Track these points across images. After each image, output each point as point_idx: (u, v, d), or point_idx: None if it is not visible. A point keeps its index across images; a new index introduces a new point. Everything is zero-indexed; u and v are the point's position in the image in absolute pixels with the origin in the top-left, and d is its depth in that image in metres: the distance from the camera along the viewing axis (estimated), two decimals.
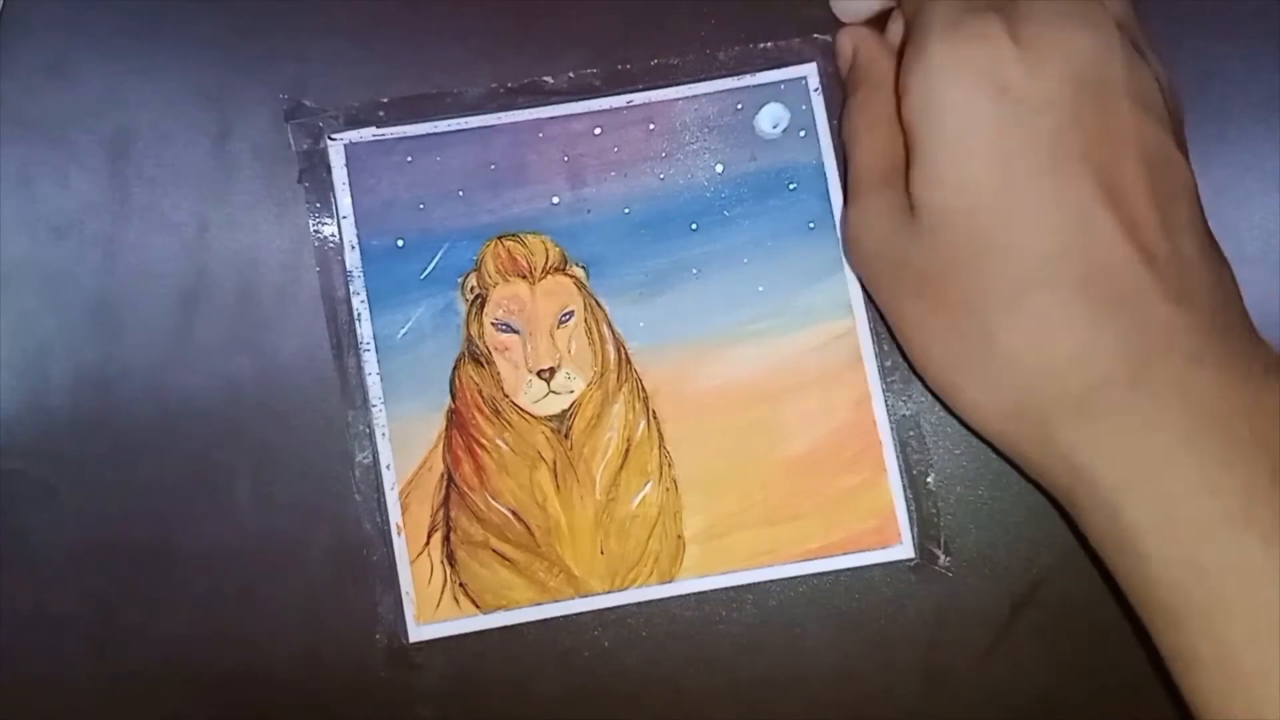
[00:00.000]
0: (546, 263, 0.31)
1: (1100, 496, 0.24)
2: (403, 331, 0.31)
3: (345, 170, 0.32)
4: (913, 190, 0.26)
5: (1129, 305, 0.24)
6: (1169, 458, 0.23)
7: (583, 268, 0.31)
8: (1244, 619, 0.23)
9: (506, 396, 0.31)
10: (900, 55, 0.27)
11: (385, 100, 0.32)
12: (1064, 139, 0.25)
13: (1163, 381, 0.24)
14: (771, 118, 0.32)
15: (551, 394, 0.31)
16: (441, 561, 0.30)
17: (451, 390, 0.31)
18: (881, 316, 0.30)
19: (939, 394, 0.28)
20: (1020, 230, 0.25)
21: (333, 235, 0.31)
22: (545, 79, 0.32)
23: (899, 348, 0.29)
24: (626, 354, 0.31)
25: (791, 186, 0.31)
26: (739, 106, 0.32)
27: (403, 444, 0.31)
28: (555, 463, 0.31)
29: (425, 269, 0.31)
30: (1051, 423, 0.25)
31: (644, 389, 0.31)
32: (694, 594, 0.30)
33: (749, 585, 0.30)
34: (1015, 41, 0.25)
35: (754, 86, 0.32)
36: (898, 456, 0.31)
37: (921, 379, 0.28)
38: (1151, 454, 0.24)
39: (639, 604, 0.30)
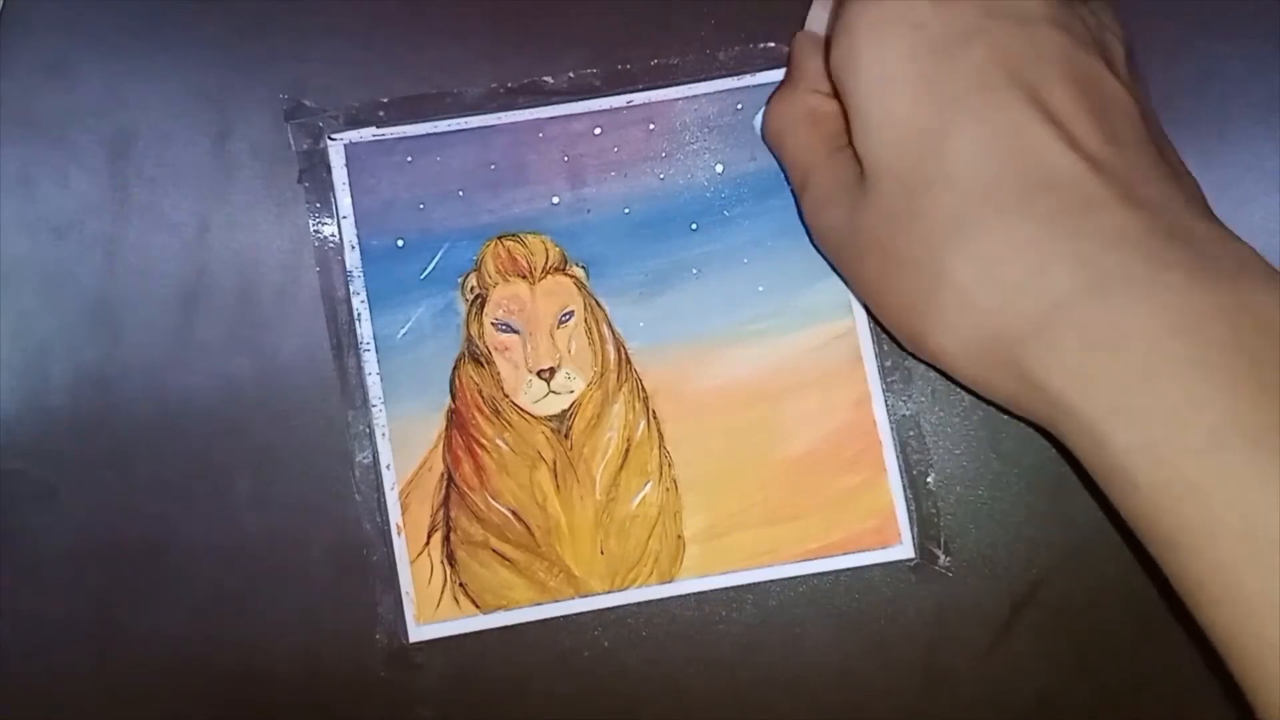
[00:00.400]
0: (546, 263, 0.31)
1: (1081, 424, 0.23)
2: (403, 331, 0.31)
3: (345, 170, 0.32)
4: (856, 149, 0.26)
5: (1078, 214, 0.23)
6: (1143, 373, 0.22)
7: (583, 268, 0.31)
8: (1240, 537, 0.21)
9: (506, 396, 0.31)
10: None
11: (385, 100, 0.32)
12: (987, 66, 0.24)
13: (1125, 289, 0.22)
14: None
15: (551, 394, 0.31)
16: (441, 561, 0.30)
17: (451, 390, 0.31)
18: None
19: (912, 350, 0.27)
20: (954, 161, 0.24)
21: (333, 235, 0.31)
22: (545, 79, 0.32)
23: (883, 329, 0.28)
24: (626, 354, 0.31)
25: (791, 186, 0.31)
26: (739, 106, 0.32)
27: (403, 444, 0.31)
28: (555, 463, 0.31)
29: (425, 269, 0.31)
30: (1018, 353, 0.24)
31: (644, 389, 0.31)
32: (694, 594, 0.30)
33: (749, 585, 0.30)
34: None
35: (754, 86, 0.32)
36: (898, 456, 0.31)
37: (898, 342, 0.27)
38: (1124, 371, 0.22)
39: (639, 604, 0.30)
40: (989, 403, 0.27)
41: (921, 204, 0.24)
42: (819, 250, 0.29)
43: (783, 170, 0.31)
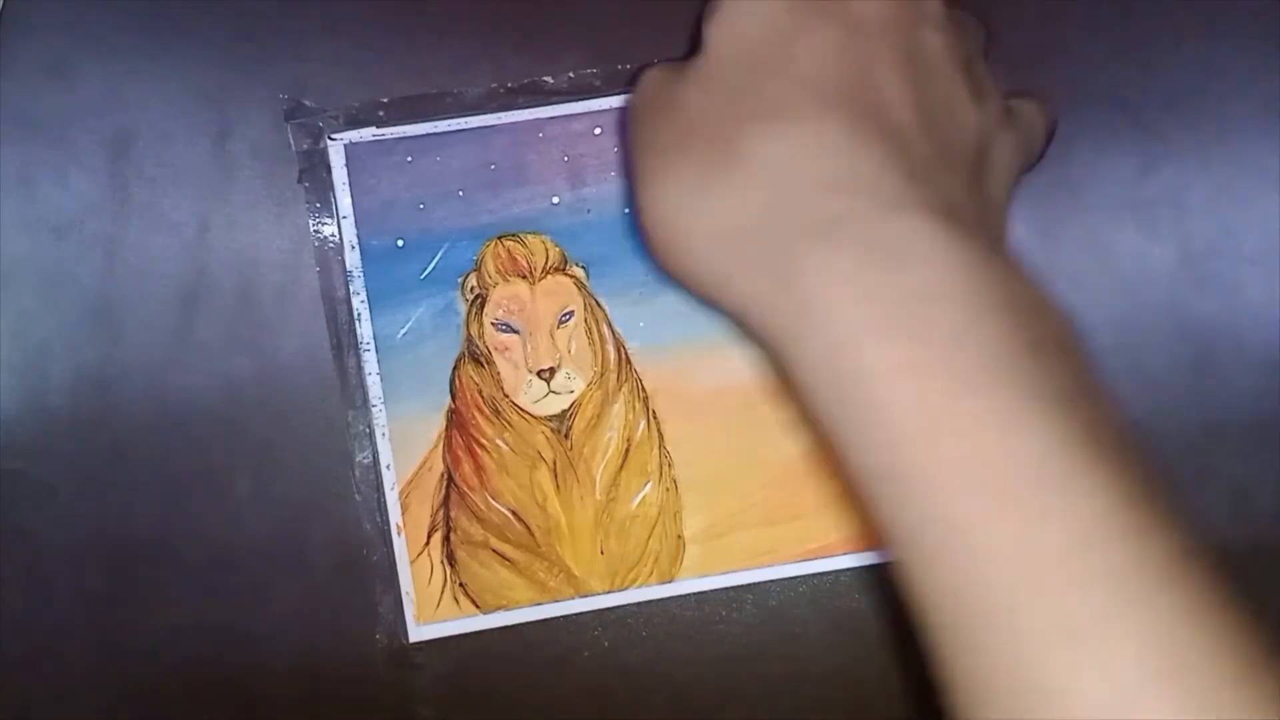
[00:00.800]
0: (546, 263, 0.31)
1: (833, 334, 0.22)
2: (403, 331, 0.31)
3: (345, 170, 0.31)
4: (703, 31, 0.26)
5: (894, 140, 0.23)
6: (920, 299, 0.22)
7: (583, 268, 0.31)
8: (983, 479, 0.20)
9: (506, 396, 0.31)
10: None
11: (385, 100, 0.32)
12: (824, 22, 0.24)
13: (920, 220, 0.22)
14: None
15: (551, 394, 0.31)
16: (441, 561, 0.30)
17: (451, 390, 0.31)
18: None
19: (660, 241, 0.25)
20: (804, 55, 0.24)
21: (333, 235, 0.31)
22: (545, 79, 0.32)
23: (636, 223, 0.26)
24: (626, 354, 0.31)
25: None
26: None
27: (403, 444, 0.31)
28: (555, 463, 0.31)
29: (425, 269, 0.31)
30: (792, 249, 0.23)
31: (644, 389, 0.31)
32: (694, 594, 0.30)
33: (749, 585, 0.30)
34: None
35: None
36: None
37: (643, 239, 0.26)
38: (901, 294, 0.22)
39: (639, 604, 0.30)
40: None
41: (753, 81, 0.24)
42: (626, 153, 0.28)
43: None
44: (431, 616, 0.30)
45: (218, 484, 0.31)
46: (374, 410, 0.31)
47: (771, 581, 0.30)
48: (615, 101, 0.32)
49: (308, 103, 0.32)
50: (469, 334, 0.31)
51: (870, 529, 0.30)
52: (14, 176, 0.32)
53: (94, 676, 0.30)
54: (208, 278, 0.31)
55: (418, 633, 0.30)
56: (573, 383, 0.31)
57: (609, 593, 0.30)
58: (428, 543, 0.30)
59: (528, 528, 0.30)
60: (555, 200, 0.31)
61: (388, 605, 0.30)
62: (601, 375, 0.31)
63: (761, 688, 0.30)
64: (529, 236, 0.31)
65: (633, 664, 0.30)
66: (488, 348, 0.31)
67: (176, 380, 0.31)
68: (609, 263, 0.31)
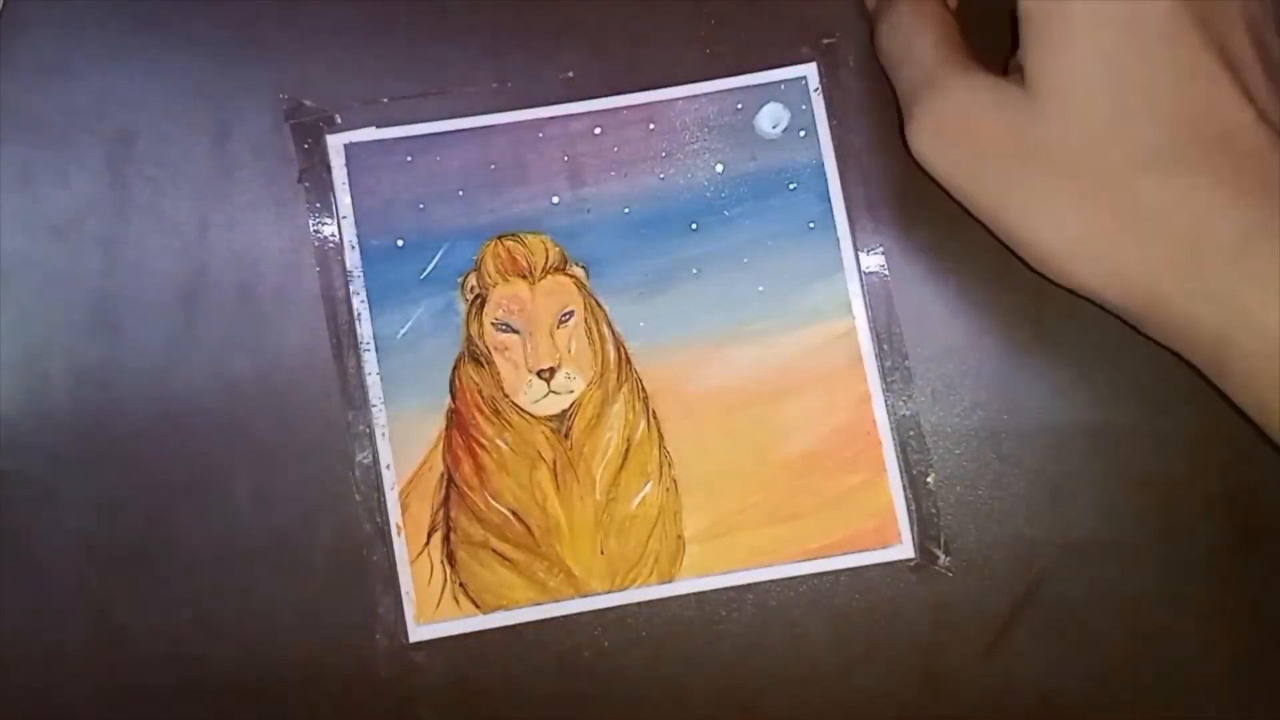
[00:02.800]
0: (546, 262, 0.31)
1: (1258, 332, 0.25)
2: (403, 331, 0.31)
3: (345, 170, 0.32)
4: (1033, 71, 0.27)
5: (1259, 158, 0.25)
6: None
7: (583, 267, 0.31)
8: None
9: (506, 396, 0.31)
10: None
11: (385, 100, 0.32)
12: (1181, 11, 0.26)
13: None
14: (771, 118, 0.32)
15: (551, 394, 0.31)
16: (441, 561, 0.30)
17: (451, 390, 0.31)
18: (881, 320, 0.30)
19: (1063, 271, 0.27)
20: (1155, 98, 0.26)
21: (333, 235, 0.31)
22: (545, 79, 0.32)
23: (997, 239, 0.28)
24: (626, 354, 0.31)
25: (791, 186, 0.31)
26: (739, 106, 0.32)
27: (403, 444, 0.31)
28: (555, 463, 0.31)
29: (425, 269, 0.31)
30: (1206, 269, 0.25)
31: (644, 389, 0.31)
32: (694, 594, 0.30)
33: (749, 585, 0.30)
34: None
35: (754, 86, 0.32)
36: (898, 456, 0.31)
37: (1036, 262, 0.28)
38: None
39: (639, 604, 0.30)
40: (1123, 321, 0.28)
41: (1117, 130, 0.26)
42: (923, 158, 0.29)
43: (891, 77, 0.30)
44: (431, 616, 0.30)
45: (218, 484, 0.31)
46: (374, 410, 0.31)
47: (771, 581, 0.30)
48: (615, 101, 0.32)
49: (308, 103, 0.32)
50: (469, 334, 0.31)
51: (869, 529, 0.30)
52: (14, 176, 0.32)
53: (94, 676, 0.30)
54: (208, 278, 0.31)
55: (418, 633, 0.30)
56: (573, 383, 0.31)
57: (609, 593, 0.30)
58: (428, 543, 0.30)
59: (528, 528, 0.30)
60: (555, 200, 0.31)
61: (388, 605, 0.30)
62: (601, 375, 0.31)
63: (761, 688, 0.30)
64: (529, 236, 0.31)
65: (633, 664, 0.30)
66: (488, 348, 0.31)
67: (176, 380, 0.31)
68: (609, 262, 0.31)
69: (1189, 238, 0.26)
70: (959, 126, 0.28)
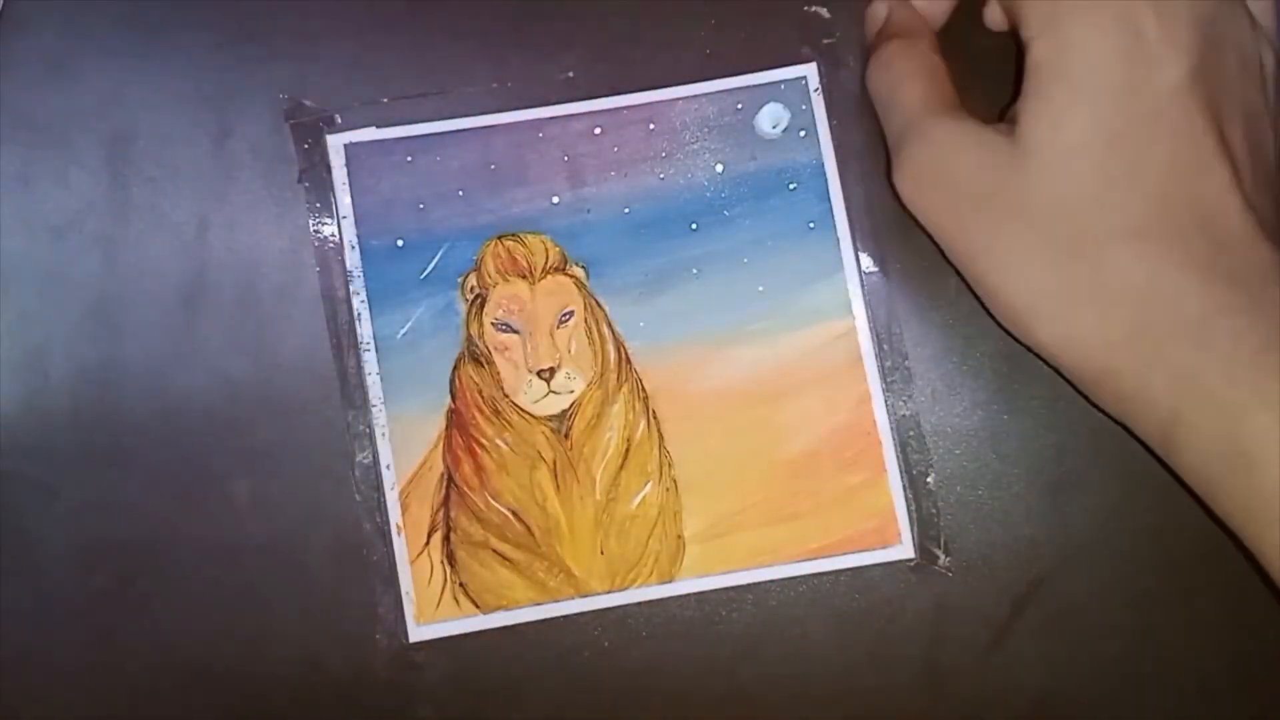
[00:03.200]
0: (546, 262, 0.31)
1: (1214, 411, 0.25)
2: (403, 331, 0.31)
3: (345, 170, 0.32)
4: (1026, 125, 0.26)
5: (1237, 244, 0.25)
6: None
7: (583, 267, 0.31)
8: None
9: (506, 396, 0.31)
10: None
11: (385, 100, 0.32)
12: (1189, 88, 0.25)
13: (1276, 306, 0.25)
14: (771, 118, 0.32)
15: (551, 394, 0.31)
16: (441, 561, 0.30)
17: (451, 390, 0.31)
18: (881, 320, 0.30)
19: (1022, 325, 0.27)
20: (1144, 172, 0.25)
21: (333, 235, 0.31)
22: (545, 79, 0.32)
23: (967, 286, 0.28)
24: (626, 354, 0.31)
25: (791, 186, 0.31)
26: (739, 106, 0.32)
27: (403, 444, 0.31)
28: (555, 463, 0.31)
29: (425, 269, 0.31)
30: (1165, 348, 0.25)
31: (644, 389, 0.31)
32: (694, 594, 0.30)
33: (749, 585, 0.30)
34: None
35: (754, 86, 0.32)
36: (898, 456, 0.31)
37: (999, 314, 0.28)
38: (1271, 367, 0.24)
39: (639, 604, 0.30)
40: (1072, 384, 0.28)
41: (1102, 200, 0.26)
42: (907, 199, 0.29)
43: (882, 115, 0.30)
44: (431, 616, 0.30)
45: (218, 484, 0.31)
46: (374, 410, 0.31)
47: (771, 581, 0.30)
48: (615, 101, 0.32)
49: (308, 103, 0.32)
50: (469, 334, 0.31)
51: (868, 530, 0.30)
52: (14, 176, 0.32)
53: (94, 676, 0.30)
54: (208, 278, 0.31)
55: (418, 633, 0.30)
56: (573, 383, 0.31)
57: (609, 593, 0.30)
58: (428, 543, 0.30)
59: (528, 528, 0.30)
60: (555, 200, 0.31)
61: (388, 605, 0.30)
62: (601, 375, 0.31)
63: (761, 688, 0.30)
64: (529, 236, 0.31)
65: (633, 664, 0.30)
66: (488, 348, 0.31)
67: (176, 380, 0.31)
68: (609, 262, 0.31)
69: (1152, 312, 0.25)
70: (940, 172, 0.28)
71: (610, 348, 0.31)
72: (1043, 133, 0.26)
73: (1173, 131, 0.25)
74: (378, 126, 0.32)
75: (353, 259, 0.31)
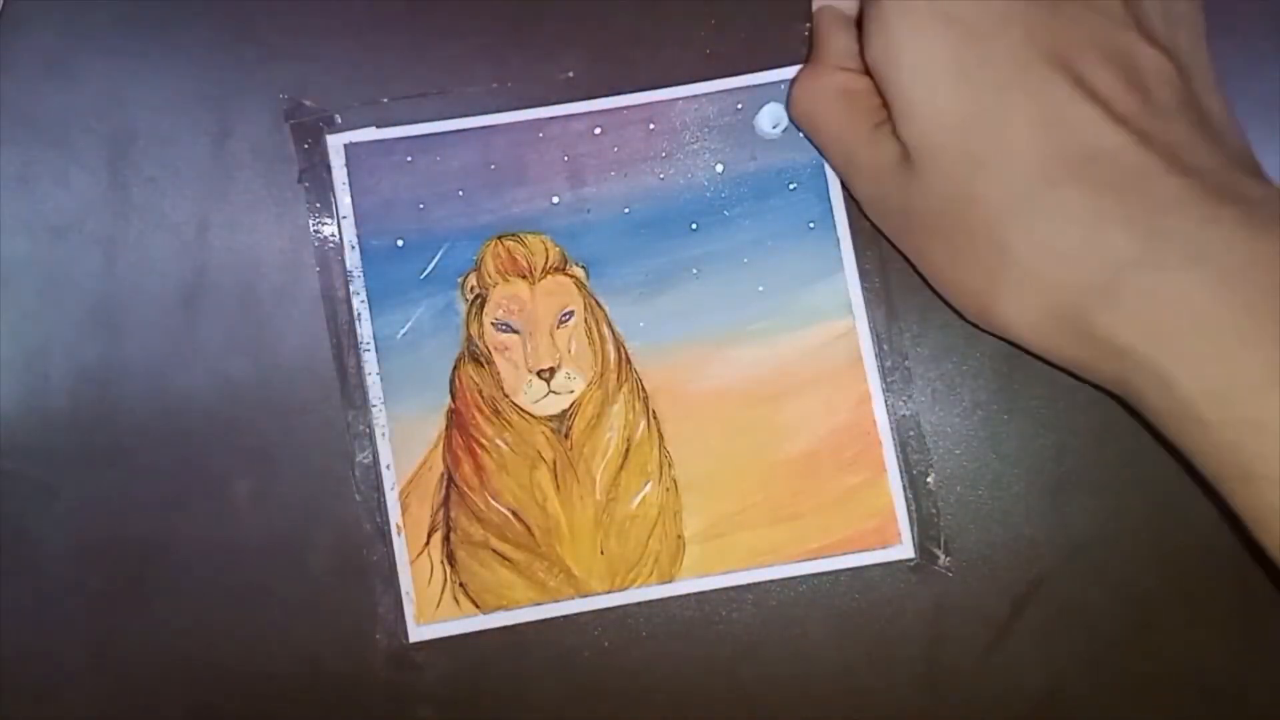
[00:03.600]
0: (546, 263, 0.31)
1: (1150, 374, 0.24)
2: (403, 331, 0.31)
3: (345, 170, 0.32)
4: (898, 134, 0.27)
5: (1131, 186, 0.24)
6: (1204, 323, 0.23)
7: (583, 267, 0.31)
8: None
9: (506, 396, 0.31)
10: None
11: (385, 100, 0.32)
12: (1023, 49, 0.25)
13: (1182, 251, 0.24)
14: (771, 118, 0.32)
15: (551, 394, 0.31)
16: (441, 561, 0.30)
17: (451, 390, 0.31)
18: (881, 320, 0.30)
19: (978, 323, 0.28)
20: (1004, 143, 0.25)
21: (333, 235, 0.31)
22: (545, 79, 0.32)
23: (935, 293, 0.29)
24: (626, 354, 0.31)
25: (791, 186, 0.31)
26: (739, 106, 0.32)
27: (403, 444, 0.31)
28: (555, 463, 0.31)
29: (425, 269, 0.31)
30: (1086, 317, 0.25)
31: (644, 389, 0.31)
32: (694, 594, 0.30)
33: (749, 585, 0.30)
34: None
35: (754, 86, 0.32)
36: (898, 456, 0.31)
37: (961, 315, 0.28)
38: (1188, 323, 0.24)
39: (639, 604, 0.30)
40: (1059, 368, 0.27)
41: (975, 187, 0.26)
42: (871, 222, 0.30)
43: (818, 150, 0.31)
44: (431, 617, 0.30)
45: (218, 484, 0.31)
46: (374, 410, 0.31)
47: (771, 581, 0.30)
48: (615, 101, 0.32)
49: (308, 103, 0.32)
50: (469, 334, 0.31)
51: (867, 530, 0.30)
52: (14, 176, 0.32)
53: (94, 676, 0.30)
54: (208, 278, 0.31)
55: (418, 633, 0.30)
56: (573, 383, 0.31)
57: (609, 593, 0.30)
58: (428, 543, 0.30)
59: (528, 528, 0.30)
60: (555, 200, 0.31)
61: (388, 605, 0.30)
62: (601, 375, 0.31)
63: (761, 688, 0.30)
64: (529, 236, 0.31)
65: (633, 664, 0.30)
66: (488, 348, 0.31)
67: (176, 380, 0.31)
68: (609, 262, 0.31)
69: (1062, 285, 0.25)
70: (865, 191, 0.29)
71: (610, 348, 0.31)
72: (905, 135, 0.27)
73: (1018, 89, 0.25)
74: (378, 126, 0.32)
75: (353, 259, 0.31)
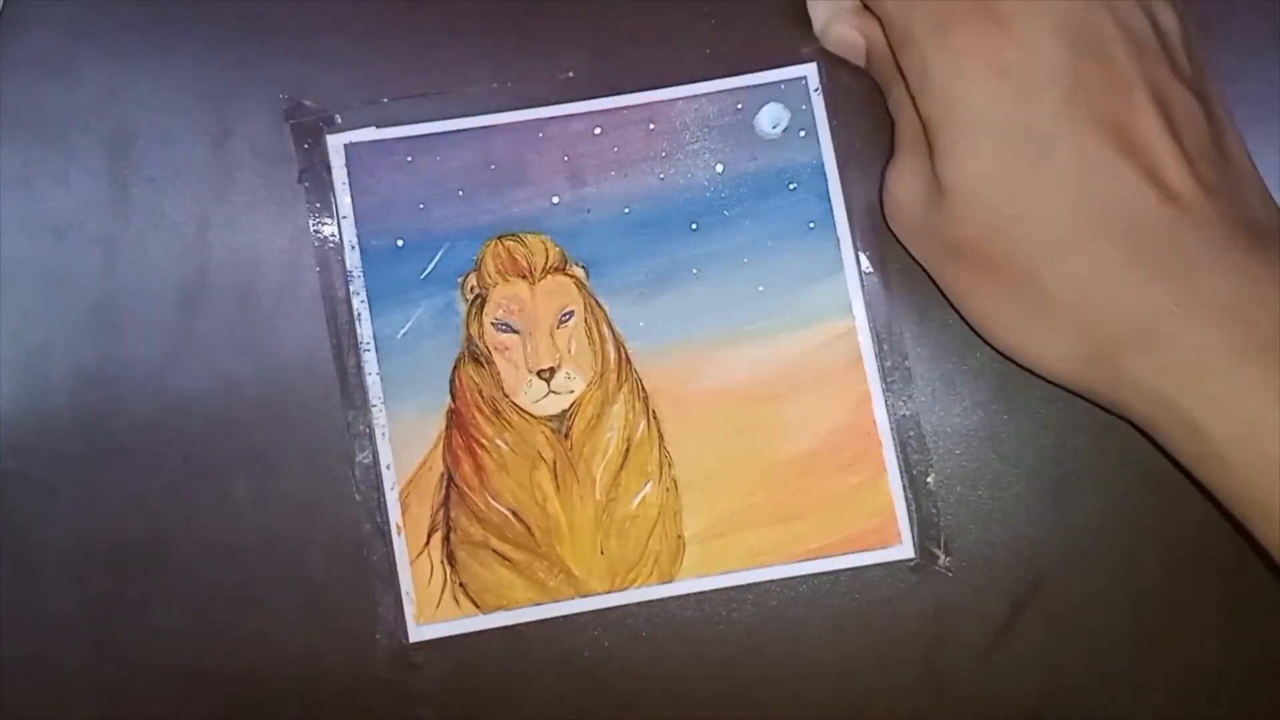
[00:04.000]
0: (546, 262, 0.31)
1: (1178, 417, 0.25)
2: (403, 331, 0.31)
3: (345, 170, 0.32)
4: (938, 170, 0.27)
5: (1163, 243, 0.25)
6: (1231, 368, 0.24)
7: (583, 267, 0.31)
8: None
9: (506, 396, 0.31)
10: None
11: (385, 100, 0.32)
12: (1073, 104, 0.25)
13: (1212, 302, 0.25)
14: (771, 118, 0.32)
15: (551, 394, 0.31)
16: (441, 561, 0.30)
17: (451, 390, 0.31)
18: (881, 320, 0.30)
19: (1004, 352, 0.28)
20: (1048, 196, 0.26)
21: (333, 235, 0.31)
22: (545, 79, 0.32)
23: (956, 311, 0.29)
24: (626, 354, 0.31)
25: (791, 186, 0.31)
26: (739, 106, 0.32)
27: (403, 444, 0.31)
28: (555, 463, 0.31)
29: (425, 269, 0.31)
30: (1119, 361, 0.26)
31: (644, 389, 0.31)
32: (694, 594, 0.30)
33: (749, 585, 0.30)
34: (1001, 22, 0.26)
35: (754, 86, 0.32)
36: (898, 456, 0.31)
37: (984, 339, 0.29)
38: (1216, 369, 0.24)
39: (639, 604, 0.30)
40: (1067, 390, 0.28)
41: (1016, 230, 0.26)
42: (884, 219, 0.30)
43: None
44: (431, 616, 0.30)
45: (218, 484, 0.31)
46: (374, 410, 0.31)
47: (771, 581, 0.30)
48: (615, 101, 0.32)
49: (308, 103, 0.32)
50: (469, 334, 0.31)
51: (866, 530, 0.30)
52: (14, 176, 0.32)
53: (93, 676, 0.30)
54: (208, 278, 0.31)
55: (418, 633, 0.30)
56: (573, 383, 0.31)
57: (609, 593, 0.30)
58: (428, 543, 0.30)
59: (528, 528, 0.30)
60: (555, 200, 0.31)
61: (388, 605, 0.30)
62: (601, 375, 0.31)
63: (761, 688, 0.30)
64: (529, 236, 0.31)
65: (633, 664, 0.30)
66: (488, 348, 0.31)
67: (176, 380, 0.31)
68: (609, 262, 0.31)
69: (1098, 331, 0.26)
70: (893, 202, 0.29)
71: (610, 348, 0.31)
72: (952, 180, 0.27)
73: (1067, 148, 0.25)
74: (378, 126, 0.32)
75: (353, 259, 0.31)
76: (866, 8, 0.29)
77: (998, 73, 0.26)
